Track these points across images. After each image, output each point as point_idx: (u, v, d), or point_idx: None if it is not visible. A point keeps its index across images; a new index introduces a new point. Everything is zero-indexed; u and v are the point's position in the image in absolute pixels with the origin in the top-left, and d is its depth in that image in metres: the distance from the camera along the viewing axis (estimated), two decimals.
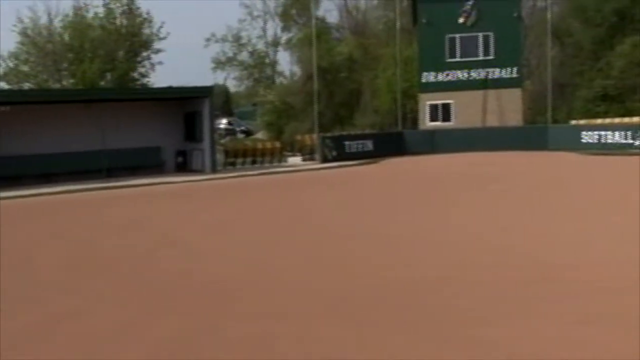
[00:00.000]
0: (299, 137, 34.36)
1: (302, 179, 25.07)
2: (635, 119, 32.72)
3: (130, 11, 42.76)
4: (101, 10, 42.14)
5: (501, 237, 11.15)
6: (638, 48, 36.83)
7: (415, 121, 38.74)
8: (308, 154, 31.91)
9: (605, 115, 36.12)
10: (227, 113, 57.08)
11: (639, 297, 7.05)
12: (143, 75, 43.40)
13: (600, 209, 13.76)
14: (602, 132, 30.84)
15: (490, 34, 36.12)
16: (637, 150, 28.44)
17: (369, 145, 32.48)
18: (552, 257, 9.37)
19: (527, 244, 10.40)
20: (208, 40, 55.48)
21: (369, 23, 54.20)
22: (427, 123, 36.51)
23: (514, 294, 7.47)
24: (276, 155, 31.16)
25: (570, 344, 5.75)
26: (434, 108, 36.38)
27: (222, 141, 35.85)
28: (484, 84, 36.00)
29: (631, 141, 29.47)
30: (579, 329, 6.15)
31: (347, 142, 32.01)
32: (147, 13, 43.17)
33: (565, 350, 5.59)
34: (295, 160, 32.11)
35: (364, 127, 41.75)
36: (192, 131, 28.16)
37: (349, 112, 46.45)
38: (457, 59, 36.48)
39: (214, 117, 29.44)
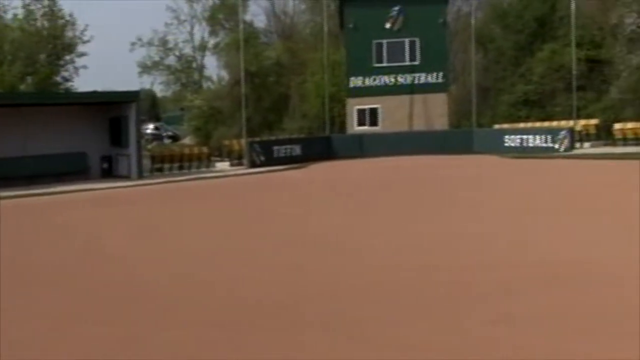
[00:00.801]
0: (227, 142, 34.14)
1: (228, 184, 24.91)
2: (554, 123, 33.75)
3: (52, 13, 41.67)
4: (20, 12, 40.99)
5: (422, 240, 11.29)
6: (556, 54, 37.99)
7: (343, 125, 39.02)
8: (236, 159, 31.74)
9: (527, 119, 37.15)
10: (154, 118, 56.30)
11: (549, 297, 7.24)
12: (66, 80, 42.38)
13: (516, 210, 14.09)
14: (524, 136, 31.71)
15: (417, 39, 36.68)
16: (557, 154, 29.30)
17: (297, 150, 32.53)
18: (464, 258, 9.53)
19: (444, 246, 10.55)
20: (134, 44, 54.58)
21: (296, 27, 54.35)
22: (354, 127, 36.81)
23: (428, 295, 7.56)
24: (204, 161, 30.88)
25: (484, 343, 5.84)
26: (361, 112, 36.71)
27: (149, 146, 35.34)
28: (411, 89, 36.52)
29: (551, 145, 30.36)
30: (490, 328, 6.26)
31: (275, 147, 31.97)
32: (70, 15, 42.22)
33: (480, 349, 5.68)
34: (223, 165, 31.88)
35: (292, 132, 41.80)
36: (118, 136, 27.62)
37: (278, 116, 46.45)
38: (384, 64, 36.91)
39: (140, 122, 28.96)
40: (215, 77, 55.52)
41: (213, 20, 53.76)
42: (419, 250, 10.43)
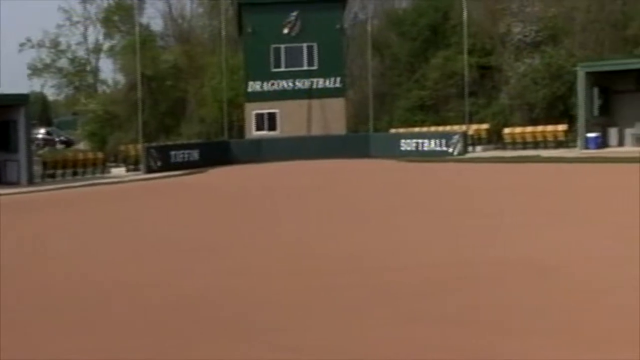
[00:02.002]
0: (122, 147, 33.38)
1: (123, 190, 24.38)
2: (448, 128, 34.74)
3: None
4: None
5: (320, 244, 11.37)
6: (450, 61, 39.10)
7: (241, 130, 38.86)
8: (132, 164, 31.08)
9: (422, 124, 38.04)
10: (46, 122, 54.30)
11: (457, 296, 7.43)
12: None
13: (412, 212, 14.41)
14: (419, 140, 32.50)
15: (314, 44, 36.97)
16: (452, 157, 30.18)
17: (195, 155, 32.14)
18: (372, 261, 9.67)
19: (347, 249, 10.67)
20: (22, 45, 52.62)
21: (194, 31, 53.73)
22: (253, 132, 36.73)
23: (333, 298, 7.62)
24: (99, 166, 30.10)
25: (394, 342, 5.93)
26: (260, 117, 36.66)
27: (40, 152, 34.11)
28: (309, 94, 36.77)
29: (445, 148, 31.24)
30: (399, 329, 6.36)
31: (172, 152, 31.49)
32: None
33: (389, 349, 5.76)
34: (119, 171, 31.14)
35: (190, 137, 41.31)
36: (6, 141, 26.50)
37: (175, 121, 45.77)
38: (282, 69, 37.01)
39: (30, 126, 27.95)
40: (110, 81, 54.28)
41: (108, 22, 52.48)
42: (305, 254, 10.50)
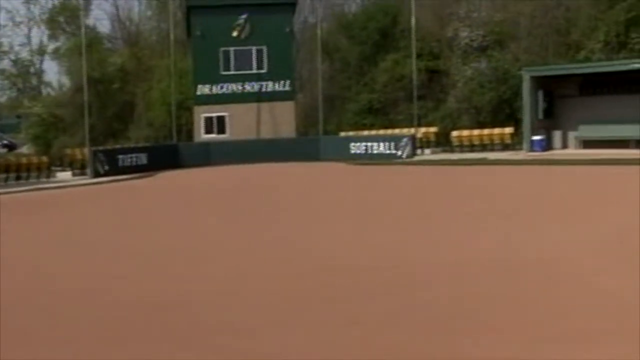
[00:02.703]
0: (68, 151, 32.74)
1: (70, 194, 23.94)
2: (397, 131, 35.01)
3: None
4: None
5: (265, 248, 11.33)
6: (398, 65, 39.44)
7: (190, 134, 38.54)
8: (79, 168, 30.52)
9: (371, 127, 38.26)
10: None
11: (391, 300, 7.46)
12: None
13: (361, 216, 14.46)
14: (369, 143, 32.68)
15: (264, 47, 36.87)
16: (401, 160, 30.41)
17: (143, 158, 31.72)
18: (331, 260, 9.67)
19: (293, 252, 10.64)
20: None
21: (142, 34, 53.13)
22: (202, 135, 36.45)
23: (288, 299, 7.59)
24: (43, 171, 29.46)
25: (341, 345, 5.92)
26: (209, 120, 36.41)
27: None
28: (258, 97, 36.67)
29: (394, 151, 31.47)
30: (345, 331, 6.36)
31: (120, 156, 31.01)
32: None
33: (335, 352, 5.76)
34: (65, 175, 30.54)
35: (138, 140, 40.79)
36: None
37: (123, 124, 45.18)
38: (232, 72, 36.83)
39: None
40: (55, 83, 53.30)
41: (52, 23, 51.53)
42: (253, 258, 10.45)
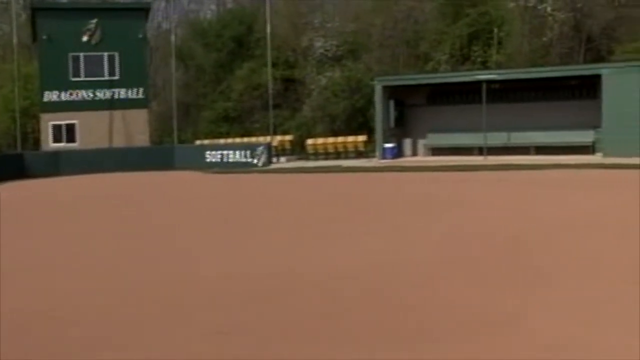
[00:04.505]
0: None
1: None
2: (253, 139, 35.05)
3: None
4: None
5: (117, 261, 10.95)
6: (255, 73, 39.54)
7: (37, 142, 36.77)
8: None
9: (227, 135, 38.09)
10: None
11: (268, 307, 7.40)
12: None
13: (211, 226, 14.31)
14: (225, 152, 32.49)
15: (116, 53, 35.86)
16: (257, 168, 30.40)
17: None
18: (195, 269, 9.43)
19: (145, 264, 10.35)
20: None
21: None
22: (50, 144, 34.85)
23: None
24: None
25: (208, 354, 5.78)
26: (57, 128, 34.87)
27: None
28: (110, 104, 35.59)
29: (250, 160, 31.45)
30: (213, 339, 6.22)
31: None
32: None
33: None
34: None
35: None
36: None
37: None
38: (82, 78, 35.58)
39: None
40: None
41: None
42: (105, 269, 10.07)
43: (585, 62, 31.92)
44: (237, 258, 10.41)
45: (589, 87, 28.04)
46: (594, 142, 27.84)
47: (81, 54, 35.66)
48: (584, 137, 28.12)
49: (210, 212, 16.98)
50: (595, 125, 27.41)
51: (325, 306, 7.33)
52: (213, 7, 52.55)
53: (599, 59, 31.59)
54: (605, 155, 25.68)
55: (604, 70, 26.77)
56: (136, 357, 5.92)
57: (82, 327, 7.04)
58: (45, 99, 35.13)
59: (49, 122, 34.99)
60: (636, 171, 20.48)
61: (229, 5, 50.95)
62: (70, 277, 9.74)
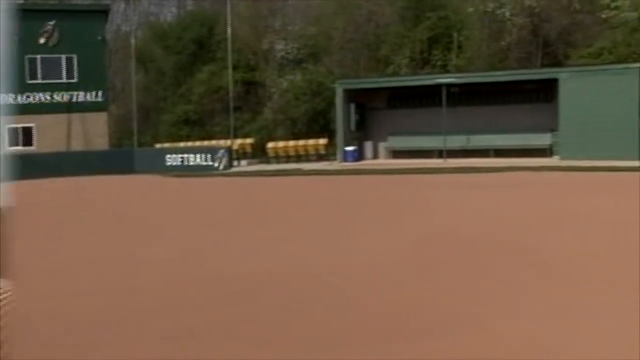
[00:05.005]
0: None
1: None
2: (214, 142, 34.82)
3: None
4: None
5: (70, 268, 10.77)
6: (215, 76, 39.32)
7: None
8: None
9: (188, 138, 37.79)
10: None
11: (241, 308, 7.31)
12: None
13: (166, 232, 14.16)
14: (185, 155, 32.20)
15: (74, 56, 35.39)
16: (217, 172, 30.20)
17: None
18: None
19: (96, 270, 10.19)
20: None
21: None
22: (6, 148, 34.20)
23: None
24: None
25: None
26: (13, 132, 34.23)
27: None
28: (68, 107, 35.07)
29: (211, 163, 31.24)
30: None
31: None
32: None
33: None
34: None
35: None
36: None
37: None
38: (39, 81, 35.04)
39: None
40: None
41: None
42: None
43: (543, 66, 32.38)
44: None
45: (547, 91, 28.45)
46: (551, 145, 28.24)
47: (38, 56, 35.15)
48: (542, 140, 28.52)
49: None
50: (552, 129, 27.83)
51: (289, 307, 7.28)
52: (174, 9, 52.23)
53: (556, 63, 32.05)
54: (562, 157, 26.05)
55: (562, 75, 27.19)
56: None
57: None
58: (1, 102, 34.45)
59: (4, 126, 34.33)
60: (593, 173, 20.83)
61: (190, 8, 50.67)
62: None
